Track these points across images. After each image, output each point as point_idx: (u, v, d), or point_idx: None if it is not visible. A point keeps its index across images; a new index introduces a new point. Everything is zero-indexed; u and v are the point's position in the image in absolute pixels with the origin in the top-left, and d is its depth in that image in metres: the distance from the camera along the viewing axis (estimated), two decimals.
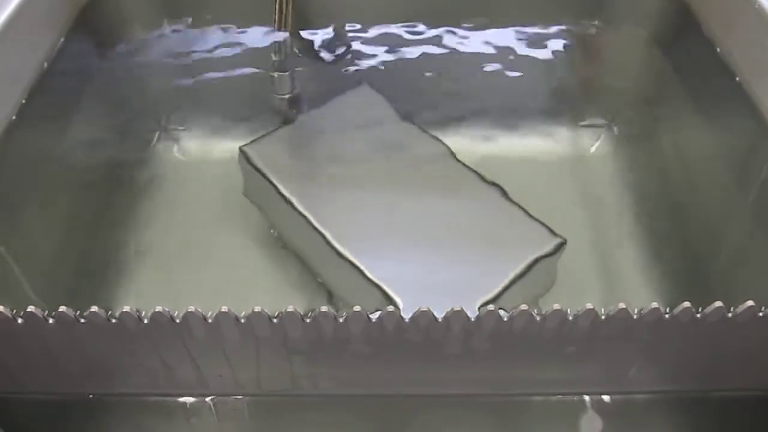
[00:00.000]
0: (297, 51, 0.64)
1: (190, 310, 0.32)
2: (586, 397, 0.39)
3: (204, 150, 0.61)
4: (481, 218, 0.46)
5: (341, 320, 0.32)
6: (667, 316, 0.32)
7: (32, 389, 0.38)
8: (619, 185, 0.57)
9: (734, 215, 0.51)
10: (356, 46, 0.65)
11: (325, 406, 0.39)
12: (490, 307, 0.32)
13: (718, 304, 0.32)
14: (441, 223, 0.45)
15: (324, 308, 0.32)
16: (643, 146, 0.60)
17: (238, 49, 0.64)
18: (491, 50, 0.64)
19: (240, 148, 0.50)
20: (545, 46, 0.65)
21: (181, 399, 0.39)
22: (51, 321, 0.32)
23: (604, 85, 0.65)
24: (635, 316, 0.32)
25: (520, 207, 0.46)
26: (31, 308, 0.32)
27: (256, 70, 0.63)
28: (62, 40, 0.56)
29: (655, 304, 0.32)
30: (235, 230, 0.53)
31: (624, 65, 0.65)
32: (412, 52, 0.64)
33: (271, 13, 0.62)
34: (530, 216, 0.45)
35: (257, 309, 0.32)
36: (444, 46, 0.64)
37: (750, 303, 0.32)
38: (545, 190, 0.56)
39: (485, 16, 0.65)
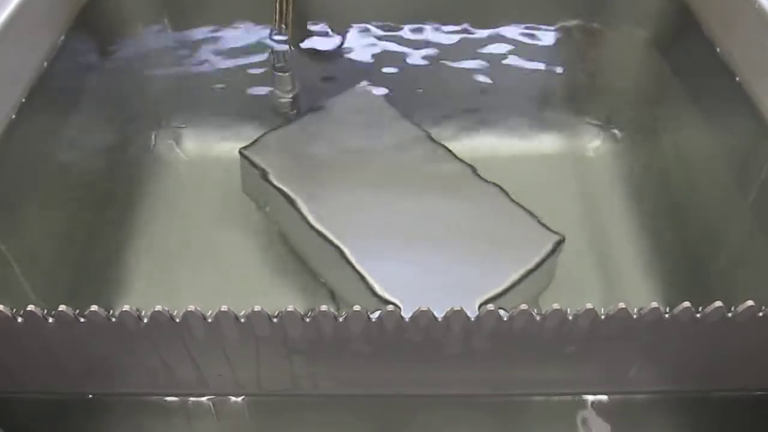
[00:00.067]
0: (297, 50, 0.64)
1: (189, 309, 0.32)
2: (586, 397, 0.39)
3: (204, 149, 0.61)
4: (480, 218, 0.46)
5: (341, 320, 0.32)
6: (666, 315, 0.32)
7: (32, 389, 0.38)
8: (619, 185, 0.57)
9: (734, 215, 0.51)
10: (356, 45, 0.65)
11: (325, 406, 0.39)
12: (490, 306, 0.32)
13: (718, 303, 0.32)
14: (441, 223, 0.45)
15: (324, 308, 0.32)
16: (643, 146, 0.60)
17: (237, 49, 0.64)
18: (491, 50, 0.64)
19: (240, 150, 0.50)
20: (545, 46, 0.65)
21: (181, 399, 0.39)
22: (51, 320, 0.32)
23: (604, 85, 0.65)
24: (635, 316, 0.32)
25: (519, 206, 0.46)
26: (30, 307, 0.32)
27: (256, 70, 0.63)
28: (62, 39, 0.56)
29: (654, 304, 0.32)
30: (235, 229, 0.53)
31: (624, 65, 0.65)
32: (412, 52, 0.64)
33: (271, 13, 0.62)
34: (529, 215, 0.45)
35: (257, 308, 0.32)
36: (444, 46, 0.64)
37: (750, 303, 0.32)
38: (545, 190, 0.56)
39: (485, 16, 0.65)
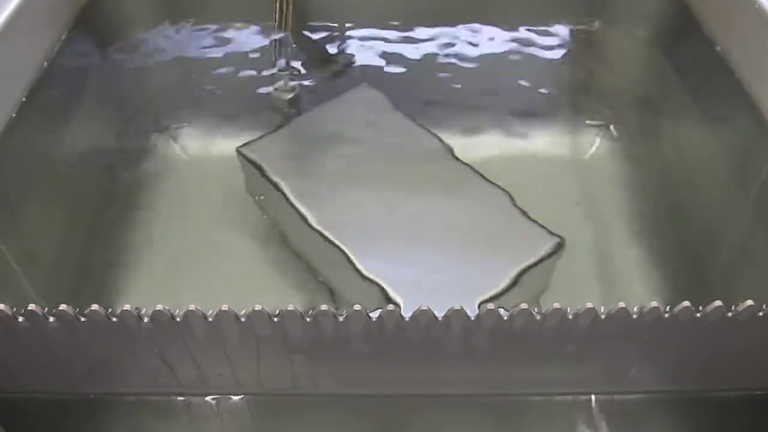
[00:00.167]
0: (297, 50, 0.65)
1: (190, 308, 0.32)
2: (586, 397, 0.39)
3: (204, 148, 0.61)
4: (481, 218, 0.46)
5: (341, 319, 0.32)
6: (666, 315, 0.32)
7: (33, 389, 0.38)
8: (619, 185, 0.57)
9: (734, 215, 0.51)
10: (356, 45, 0.65)
11: (325, 405, 0.39)
12: (490, 306, 0.32)
13: (718, 303, 0.32)
14: (441, 223, 0.45)
15: (324, 307, 0.32)
16: (643, 146, 0.60)
17: (238, 49, 0.64)
18: (491, 50, 0.64)
19: (237, 149, 0.50)
20: (545, 46, 0.65)
21: (182, 398, 0.39)
22: (51, 319, 0.32)
23: (604, 84, 0.65)
24: (635, 315, 0.32)
25: (519, 207, 0.46)
26: (31, 306, 0.32)
27: (257, 69, 0.63)
28: (63, 38, 0.56)
29: (654, 304, 0.32)
30: (235, 228, 0.53)
31: (624, 65, 0.65)
32: (412, 52, 0.64)
33: (271, 13, 0.62)
34: (529, 216, 0.45)
35: (258, 307, 0.32)
36: (444, 46, 0.65)
37: (750, 302, 0.32)
38: (545, 190, 0.56)
39: (485, 16, 0.65)
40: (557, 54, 0.65)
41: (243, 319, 0.32)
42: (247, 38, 0.65)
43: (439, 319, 0.32)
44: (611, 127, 0.62)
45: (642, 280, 0.51)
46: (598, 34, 0.66)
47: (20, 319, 0.32)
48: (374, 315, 0.32)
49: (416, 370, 0.37)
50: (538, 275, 0.43)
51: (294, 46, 0.64)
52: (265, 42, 0.64)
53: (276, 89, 0.63)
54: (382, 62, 0.64)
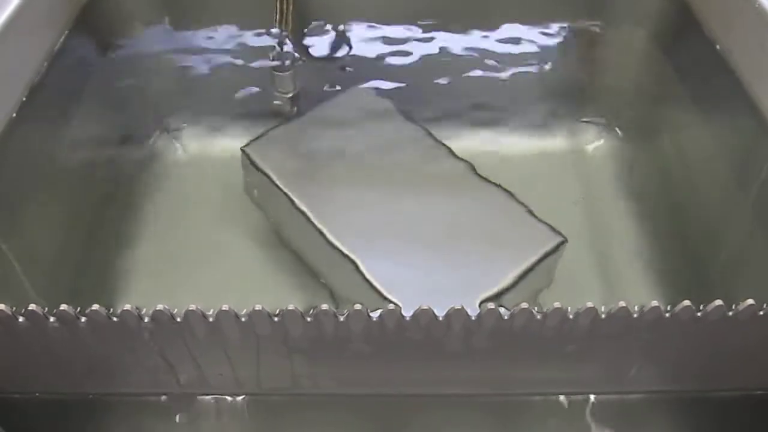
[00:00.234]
0: (297, 50, 0.64)
1: (190, 308, 0.32)
2: (587, 397, 0.39)
3: (204, 148, 0.61)
4: (481, 217, 0.46)
5: (342, 318, 0.32)
6: (667, 314, 0.32)
7: (33, 389, 0.38)
8: (619, 185, 0.57)
9: (734, 215, 0.51)
10: (356, 44, 0.65)
11: (325, 405, 0.39)
12: (491, 305, 0.32)
13: (719, 302, 0.32)
14: (441, 222, 0.45)
15: (325, 306, 0.32)
16: (643, 146, 0.60)
17: (238, 48, 0.64)
18: (492, 49, 0.64)
19: (242, 148, 0.50)
20: (546, 46, 0.65)
21: (182, 398, 0.39)
22: (52, 319, 0.32)
23: (604, 84, 0.65)
24: (635, 315, 0.32)
25: (521, 205, 0.46)
26: (32, 306, 0.32)
27: (257, 69, 0.63)
28: (63, 38, 0.56)
29: (655, 303, 0.32)
30: (235, 228, 0.53)
31: (624, 65, 0.65)
32: (412, 51, 0.64)
33: (271, 13, 0.62)
34: (531, 214, 0.45)
35: (258, 307, 0.32)
36: (444, 45, 0.65)
37: (750, 301, 0.32)
38: (545, 190, 0.56)
39: (486, 15, 0.65)
40: (557, 54, 0.65)
41: (243, 319, 0.32)
42: (248, 38, 0.65)
43: (440, 318, 0.32)
44: (611, 126, 0.62)
45: (642, 279, 0.51)
46: (598, 34, 0.66)
47: (20, 318, 0.32)
48: (375, 314, 0.32)
49: (417, 369, 0.37)
50: (538, 274, 0.43)
51: (294, 45, 0.64)
52: (266, 41, 0.64)
53: (276, 89, 0.63)
54: (382, 62, 0.64)
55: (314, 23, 0.65)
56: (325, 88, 0.62)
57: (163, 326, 0.33)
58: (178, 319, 0.32)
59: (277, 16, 0.62)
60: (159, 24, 0.65)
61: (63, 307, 0.32)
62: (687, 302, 0.32)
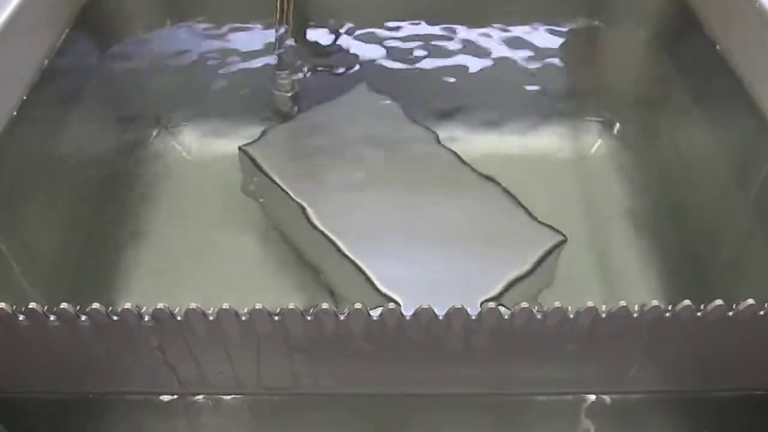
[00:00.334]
0: (298, 49, 0.65)
1: (191, 306, 0.32)
2: (587, 397, 0.39)
3: (204, 148, 0.61)
4: (482, 217, 0.46)
5: (342, 317, 0.32)
6: (667, 314, 0.32)
7: (33, 388, 0.38)
8: (619, 185, 0.57)
9: (734, 215, 0.51)
10: (357, 44, 0.65)
11: (325, 404, 0.39)
12: (491, 304, 0.32)
13: (719, 302, 0.32)
14: (442, 222, 0.45)
15: (325, 305, 0.32)
16: (643, 146, 0.60)
17: (238, 48, 0.64)
18: (492, 49, 0.64)
19: (240, 147, 0.50)
20: (546, 45, 0.65)
21: (182, 397, 0.39)
22: (52, 318, 0.32)
23: (604, 84, 0.65)
24: (636, 314, 0.32)
25: (520, 205, 0.46)
26: (32, 305, 0.32)
27: (257, 69, 0.63)
28: (63, 38, 0.56)
29: (655, 302, 0.32)
30: (235, 228, 0.53)
31: (624, 64, 0.65)
32: (412, 51, 0.64)
33: (271, 12, 0.62)
34: (531, 214, 0.45)
35: (258, 306, 0.32)
36: (444, 45, 0.65)
37: (750, 301, 0.32)
38: (545, 190, 0.55)
39: (485, 15, 0.65)
40: (558, 54, 0.65)
41: (244, 318, 0.32)
42: (248, 37, 0.65)
43: (440, 317, 0.32)
44: (611, 126, 0.62)
45: (642, 279, 0.51)
46: (598, 34, 0.66)
47: (21, 317, 0.32)
48: (375, 314, 0.32)
49: (417, 369, 0.37)
50: (539, 273, 0.43)
51: (294, 45, 0.64)
52: (266, 41, 0.64)
53: (276, 88, 0.63)
54: (382, 61, 0.64)
55: (315, 22, 0.66)
56: (326, 87, 0.62)
57: (163, 325, 0.33)
58: (179, 318, 0.32)
59: (278, 16, 0.62)
60: (159, 23, 0.65)
61: (63, 305, 0.32)
62: (687, 302, 0.32)
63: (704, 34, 0.56)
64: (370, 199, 0.47)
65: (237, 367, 0.37)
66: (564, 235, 0.44)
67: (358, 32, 0.65)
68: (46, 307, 0.32)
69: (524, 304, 0.32)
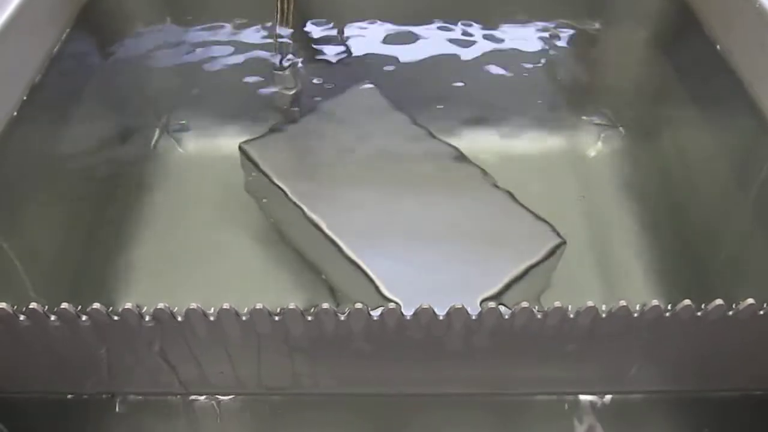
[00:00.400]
0: (298, 48, 0.65)
1: (191, 306, 0.32)
2: (587, 397, 0.39)
3: (205, 147, 0.61)
4: (482, 216, 0.46)
5: (343, 317, 0.32)
6: (667, 314, 0.32)
7: (33, 389, 0.38)
8: (620, 185, 0.57)
9: (734, 215, 0.51)
10: (358, 43, 0.65)
11: (325, 404, 0.39)
12: (491, 304, 0.32)
13: (719, 301, 0.32)
14: (442, 221, 0.45)
15: (325, 305, 0.32)
16: (643, 146, 0.60)
17: (239, 47, 0.64)
18: (492, 49, 0.64)
19: (240, 145, 0.50)
20: (546, 46, 0.65)
21: (183, 397, 0.39)
22: (53, 318, 0.32)
23: (604, 84, 0.65)
24: (636, 314, 0.32)
25: (522, 205, 0.46)
26: (33, 305, 0.32)
27: (258, 68, 0.63)
28: (64, 37, 0.56)
29: (655, 302, 0.32)
30: (236, 227, 0.53)
31: (624, 65, 0.65)
32: (413, 51, 0.64)
33: (272, 11, 0.62)
34: (532, 214, 0.45)
35: (259, 306, 0.32)
36: (445, 45, 0.65)
37: (750, 301, 0.32)
38: (545, 190, 0.56)
39: (486, 15, 0.65)
40: (558, 53, 0.65)
41: (244, 318, 0.32)
42: (248, 37, 0.65)
43: (440, 317, 0.32)
44: (611, 126, 0.62)
45: (642, 279, 0.51)
46: (598, 34, 0.66)
47: (21, 317, 0.32)
48: (375, 313, 0.32)
49: (417, 369, 0.37)
50: (540, 273, 0.43)
51: (295, 44, 0.64)
52: (266, 40, 0.64)
53: (277, 88, 0.63)
54: (383, 61, 0.64)
55: (315, 22, 0.66)
56: (326, 86, 0.62)
57: (164, 325, 0.33)
58: (179, 318, 0.32)
59: (278, 15, 0.62)
60: (160, 22, 0.65)
61: (64, 305, 0.32)
62: (687, 302, 0.32)
63: (704, 34, 0.56)
64: (370, 198, 0.47)
65: (237, 367, 0.37)
66: (564, 239, 0.44)
67: (358, 32, 0.65)
68: (46, 307, 0.32)
69: (524, 304, 0.32)
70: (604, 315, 0.32)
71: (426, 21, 0.65)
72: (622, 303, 0.32)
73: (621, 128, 0.62)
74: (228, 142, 0.58)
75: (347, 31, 0.65)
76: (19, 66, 0.51)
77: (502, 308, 0.32)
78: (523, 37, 0.65)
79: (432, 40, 0.65)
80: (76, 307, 0.32)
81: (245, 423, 0.39)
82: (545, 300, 0.47)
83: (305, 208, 0.46)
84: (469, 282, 0.42)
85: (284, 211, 0.47)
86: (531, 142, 0.61)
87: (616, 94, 0.64)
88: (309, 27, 0.66)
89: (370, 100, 0.53)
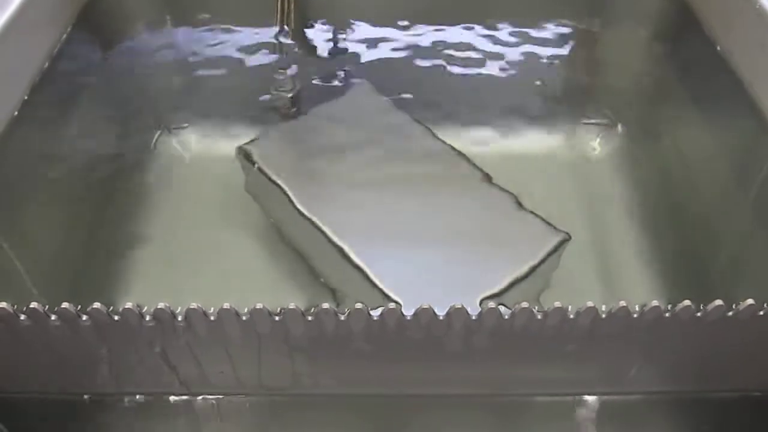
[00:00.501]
0: (298, 49, 0.65)
1: (192, 306, 0.32)
2: (586, 397, 0.39)
3: (205, 148, 0.61)
4: (482, 216, 0.46)
5: (343, 317, 0.32)
6: (667, 314, 0.32)
7: (33, 389, 0.38)
8: (620, 185, 0.57)
9: (734, 215, 0.51)
10: (358, 44, 0.65)
11: (325, 405, 0.39)
12: (491, 304, 0.32)
13: (719, 302, 0.32)
14: (442, 221, 0.45)
15: (326, 305, 0.32)
16: (643, 145, 0.60)
17: (239, 47, 0.64)
18: (492, 49, 0.64)
19: (240, 146, 0.50)
20: (546, 46, 0.65)
21: (182, 397, 0.39)
22: (53, 317, 0.32)
23: (604, 84, 0.65)
24: (636, 314, 0.32)
25: (521, 205, 0.46)
26: (33, 304, 0.32)
27: (258, 68, 0.63)
28: (64, 37, 0.56)
29: (655, 302, 0.32)
30: (236, 228, 0.53)
31: (624, 65, 0.65)
32: (413, 51, 0.64)
33: (272, 12, 0.62)
34: (532, 214, 0.45)
35: (259, 306, 0.32)
36: (445, 45, 0.65)
37: (750, 301, 0.32)
38: (545, 190, 0.56)
39: (486, 15, 0.65)
40: (558, 54, 0.65)
41: (244, 318, 0.32)
42: (249, 37, 0.65)
43: (441, 317, 0.32)
44: (612, 126, 0.62)
45: (642, 279, 0.51)
46: (598, 34, 0.66)
47: (22, 317, 0.32)
48: (375, 313, 0.32)
49: (417, 369, 0.37)
50: (539, 273, 0.43)
51: (295, 44, 0.64)
52: (267, 41, 0.65)
53: (277, 88, 0.63)
54: (383, 61, 0.64)
55: (315, 22, 0.66)
56: (326, 87, 0.62)
57: (164, 325, 0.33)
58: (180, 318, 0.32)
59: (279, 15, 0.62)
60: (160, 23, 0.65)
61: (64, 305, 0.32)
62: (687, 302, 0.32)
63: (704, 34, 0.56)
64: (370, 198, 0.47)
65: (238, 367, 0.37)
66: (567, 234, 0.44)
67: (358, 32, 0.66)
68: (47, 306, 0.32)
69: (524, 304, 0.32)
70: (603, 315, 0.32)
71: (426, 21, 0.65)
72: (622, 303, 0.32)
73: (621, 128, 0.62)
74: (228, 142, 0.58)
75: (347, 32, 0.65)
76: (19, 66, 0.51)
77: (502, 308, 0.32)
78: (523, 37, 0.65)
79: (432, 41, 0.65)
80: (77, 307, 0.32)
81: (245, 423, 0.39)
82: (545, 300, 0.47)
83: (305, 208, 0.46)
84: (470, 281, 0.42)
85: (284, 211, 0.47)
86: (531, 142, 0.61)
87: (616, 94, 0.64)
88: (309, 27, 0.66)
89: (370, 100, 0.53)
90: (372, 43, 0.65)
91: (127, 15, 0.63)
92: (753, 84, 0.51)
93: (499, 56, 0.64)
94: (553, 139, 0.61)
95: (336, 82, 0.63)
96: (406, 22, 0.65)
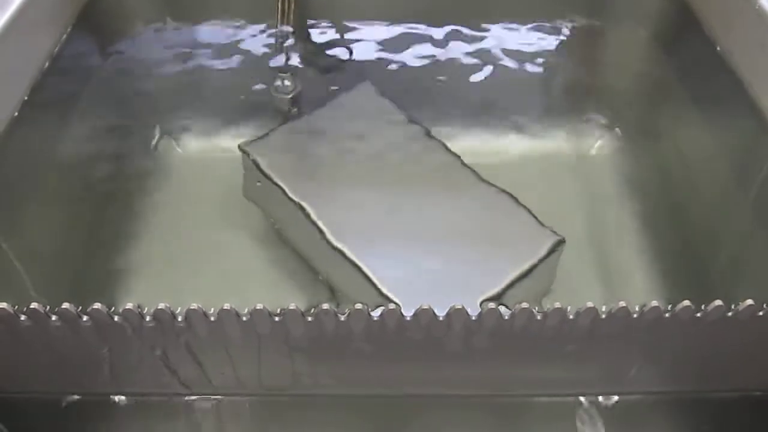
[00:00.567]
0: (299, 49, 0.65)
1: (192, 307, 0.32)
2: (586, 398, 0.39)
3: (205, 148, 0.61)
4: (482, 217, 0.46)
5: (343, 318, 0.32)
6: (667, 314, 0.32)
7: (33, 389, 0.38)
8: (620, 185, 0.57)
9: (734, 215, 0.51)
10: (358, 44, 0.65)
11: (325, 405, 0.39)
12: (491, 304, 0.32)
13: (719, 302, 0.32)
14: (442, 222, 0.45)
15: (325, 306, 0.32)
16: (643, 146, 0.60)
17: (239, 48, 0.64)
18: (492, 48, 0.64)
19: (240, 146, 0.50)
20: (546, 45, 0.65)
21: (183, 397, 0.39)
22: (53, 318, 0.32)
23: (604, 84, 0.65)
24: (635, 315, 0.32)
25: (521, 205, 0.46)
26: (33, 305, 0.32)
27: (258, 68, 0.63)
28: (64, 37, 0.56)
29: (655, 303, 0.32)
30: (236, 228, 0.53)
31: (625, 64, 0.65)
32: (413, 51, 0.64)
33: (273, 12, 0.62)
34: (531, 215, 0.45)
35: (259, 306, 0.32)
36: (445, 45, 0.65)
37: (750, 301, 0.32)
38: (545, 190, 0.56)
39: (486, 15, 0.65)
40: (558, 53, 0.65)
41: (244, 318, 0.32)
42: (249, 37, 0.65)
43: (440, 318, 0.32)
44: (611, 126, 0.62)
45: (642, 279, 0.51)
46: (598, 34, 0.66)
47: (22, 317, 0.32)
48: (375, 314, 0.32)
49: (417, 369, 0.37)
50: (539, 274, 0.43)
51: (295, 44, 0.64)
52: (267, 41, 0.64)
53: (277, 89, 0.63)
54: (383, 61, 0.64)
55: (316, 23, 0.66)
56: (327, 87, 0.62)
57: (164, 325, 0.33)
58: (180, 318, 0.32)
59: (279, 16, 0.62)
60: (160, 23, 0.65)
61: (65, 305, 0.32)
62: (687, 302, 0.32)
63: (704, 34, 0.56)
64: (370, 198, 0.47)
65: (238, 368, 0.37)
66: (563, 237, 0.44)
67: (358, 32, 0.65)
68: (47, 307, 0.32)
69: (524, 305, 0.32)
70: (603, 316, 0.32)
71: (426, 21, 0.65)
72: (622, 304, 0.32)
73: (621, 128, 0.62)
74: (228, 142, 0.59)
75: (347, 31, 0.65)
76: (19, 66, 0.51)
77: (501, 309, 0.32)
78: (523, 37, 0.65)
79: (432, 40, 0.65)
80: (77, 307, 0.32)
81: (246, 423, 0.39)
82: (544, 300, 0.47)
83: (305, 208, 0.46)
84: (469, 282, 0.42)
85: (284, 210, 0.48)
86: (531, 143, 0.61)
87: (616, 94, 0.64)
88: (309, 27, 0.66)
89: (370, 100, 0.53)
90: (371, 42, 0.65)
91: (127, 15, 0.63)
92: (753, 84, 0.51)
93: (499, 56, 0.64)
94: (553, 139, 0.61)
95: (336, 82, 0.63)
96: (406, 21, 0.65)
